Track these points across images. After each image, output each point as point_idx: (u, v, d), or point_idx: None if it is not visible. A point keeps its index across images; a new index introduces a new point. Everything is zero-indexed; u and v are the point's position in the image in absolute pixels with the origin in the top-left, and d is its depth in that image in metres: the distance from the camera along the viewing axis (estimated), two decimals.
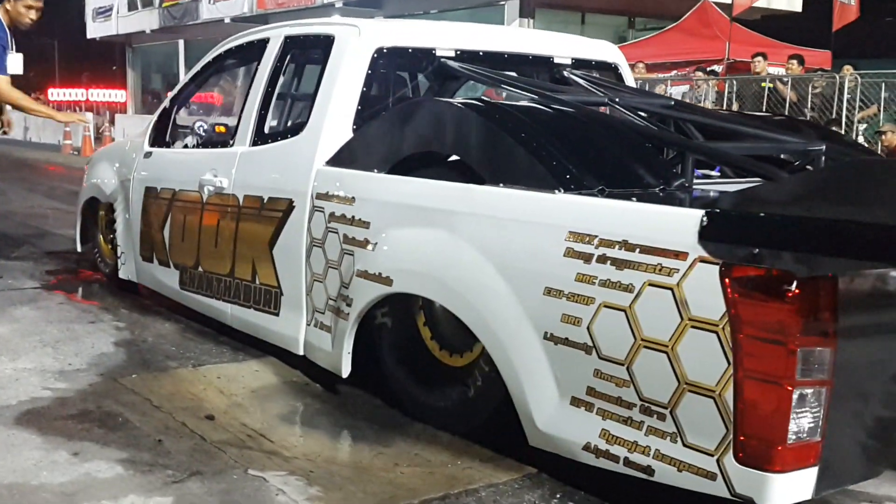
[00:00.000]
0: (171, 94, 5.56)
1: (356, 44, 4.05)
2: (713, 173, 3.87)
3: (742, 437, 2.43)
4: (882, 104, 10.55)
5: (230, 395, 3.88)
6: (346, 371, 3.71)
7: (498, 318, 3.05)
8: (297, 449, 3.30)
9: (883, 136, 9.70)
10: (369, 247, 3.57)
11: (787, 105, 11.02)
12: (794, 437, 2.39)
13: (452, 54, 4.24)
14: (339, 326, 3.74)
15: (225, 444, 3.30)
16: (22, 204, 10.71)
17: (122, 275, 5.63)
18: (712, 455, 2.50)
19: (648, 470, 2.66)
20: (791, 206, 2.43)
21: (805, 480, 2.44)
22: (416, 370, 3.64)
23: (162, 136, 5.35)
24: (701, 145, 3.46)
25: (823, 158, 3.56)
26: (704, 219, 2.46)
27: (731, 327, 2.41)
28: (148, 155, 5.34)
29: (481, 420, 3.35)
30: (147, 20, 26.88)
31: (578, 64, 4.57)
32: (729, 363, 2.43)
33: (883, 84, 10.46)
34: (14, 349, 4.38)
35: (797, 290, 2.32)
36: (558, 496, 2.97)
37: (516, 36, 4.58)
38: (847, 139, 4.59)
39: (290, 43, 4.46)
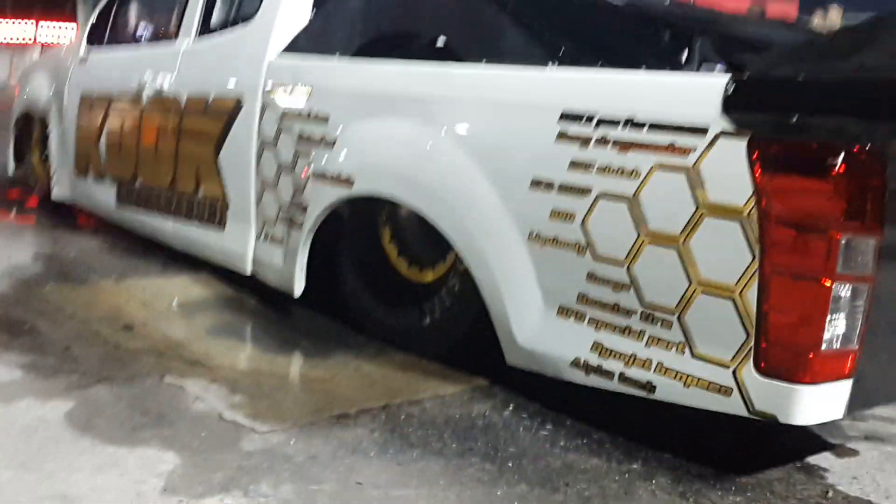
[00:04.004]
0: None
1: None
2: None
3: (765, 344, 2.05)
4: None
5: (153, 308, 3.51)
6: (298, 289, 3.28)
7: (474, 217, 2.64)
8: (222, 359, 2.96)
9: None
10: (327, 144, 3.12)
11: None
12: (828, 343, 2.02)
13: None
14: (291, 238, 3.30)
15: (141, 352, 2.97)
16: None
17: (55, 195, 5.12)
18: (727, 367, 2.12)
19: (648, 386, 2.28)
20: (837, 64, 2.04)
21: (837, 396, 2.07)
22: (380, 288, 3.22)
23: (100, 38, 4.82)
24: (715, 25, 3.04)
25: None
26: (730, 86, 2.06)
27: (759, 213, 2.01)
28: (84, 59, 4.82)
29: (454, 339, 2.94)
30: None
31: None
32: (754, 257, 2.04)
33: None
34: None
35: (843, 167, 1.93)
36: (511, 407, 2.65)
37: None
38: None
39: None
